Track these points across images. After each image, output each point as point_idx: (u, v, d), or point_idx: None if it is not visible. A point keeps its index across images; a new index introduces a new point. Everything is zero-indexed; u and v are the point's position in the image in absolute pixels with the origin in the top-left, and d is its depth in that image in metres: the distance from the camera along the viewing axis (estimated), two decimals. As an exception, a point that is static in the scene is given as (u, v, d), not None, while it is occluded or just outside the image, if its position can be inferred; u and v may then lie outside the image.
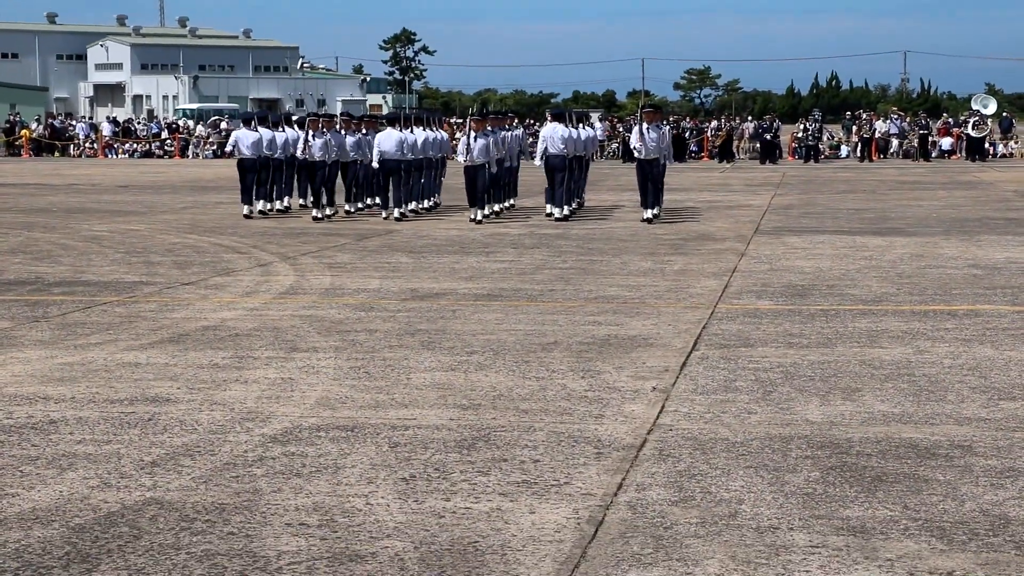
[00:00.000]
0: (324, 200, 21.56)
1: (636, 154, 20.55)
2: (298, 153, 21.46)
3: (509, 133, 22.32)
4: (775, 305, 11.77)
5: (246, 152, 21.52)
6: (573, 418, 7.42)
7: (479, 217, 20.66)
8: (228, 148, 21.89)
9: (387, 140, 21.52)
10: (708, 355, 9.30)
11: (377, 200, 22.73)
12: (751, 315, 11.16)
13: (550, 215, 21.85)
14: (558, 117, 22.95)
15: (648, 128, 20.36)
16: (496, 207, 21.90)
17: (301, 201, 23.16)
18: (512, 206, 23.31)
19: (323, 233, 19.27)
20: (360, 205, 22.86)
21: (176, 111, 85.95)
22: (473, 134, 20.37)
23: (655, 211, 20.69)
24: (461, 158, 20.34)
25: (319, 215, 21.25)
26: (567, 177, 22.02)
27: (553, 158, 21.79)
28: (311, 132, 21.29)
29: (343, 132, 22.06)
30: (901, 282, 13.28)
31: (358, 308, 11.65)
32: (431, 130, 22.69)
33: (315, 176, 21.52)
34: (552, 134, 22.11)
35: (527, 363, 9.04)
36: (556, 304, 11.93)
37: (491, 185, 21.06)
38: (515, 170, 23.13)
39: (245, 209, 21.97)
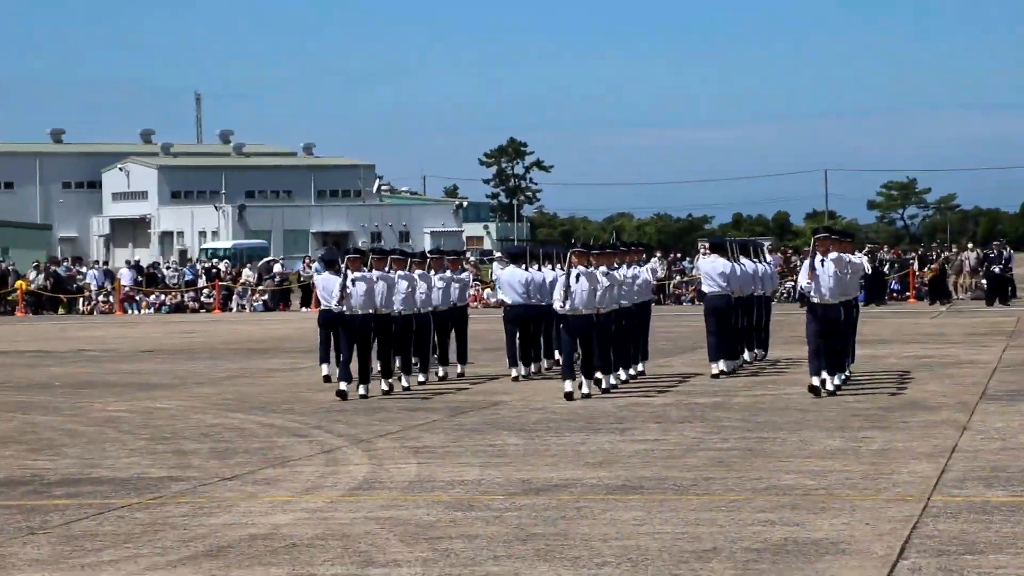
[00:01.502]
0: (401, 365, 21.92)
1: (808, 296, 19.80)
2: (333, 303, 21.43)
3: (628, 269, 21.90)
4: (1012, 496, 11.59)
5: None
6: (739, 653, 7.34)
7: (571, 389, 19.62)
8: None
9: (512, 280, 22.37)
10: (921, 565, 9.17)
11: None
12: (979, 510, 10.99)
13: (716, 375, 22.31)
14: (717, 248, 23.19)
15: (823, 261, 19.38)
16: (621, 374, 21.48)
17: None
18: (641, 372, 22.82)
19: (405, 408, 19.47)
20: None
21: (202, 251, 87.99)
22: (574, 271, 19.77)
23: (837, 379, 19.58)
24: (557, 304, 20.31)
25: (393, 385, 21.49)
26: (730, 324, 22.57)
27: (712, 298, 22.51)
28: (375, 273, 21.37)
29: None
30: None
31: (453, 507, 11.71)
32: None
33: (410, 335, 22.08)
34: (710, 269, 22.82)
35: (677, 579, 8.99)
36: (714, 498, 11.87)
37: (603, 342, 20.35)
38: (641, 322, 22.61)
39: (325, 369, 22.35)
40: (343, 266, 21.03)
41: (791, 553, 9.64)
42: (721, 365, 22.52)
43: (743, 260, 24.17)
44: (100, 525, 11.28)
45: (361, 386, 20.58)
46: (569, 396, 19.48)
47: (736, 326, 23.69)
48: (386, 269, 21.25)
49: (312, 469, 14.03)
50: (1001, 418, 16.72)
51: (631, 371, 22.15)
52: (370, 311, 20.68)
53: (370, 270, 20.97)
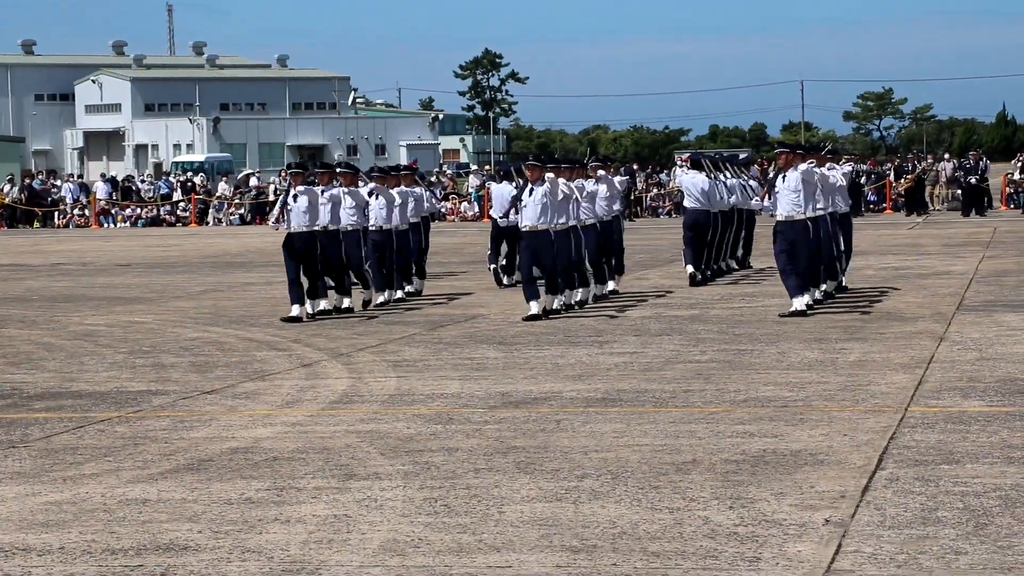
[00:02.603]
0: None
1: (768, 212, 19.12)
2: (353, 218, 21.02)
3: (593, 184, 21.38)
4: (988, 406, 11.68)
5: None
6: (720, 563, 7.42)
7: (535, 311, 18.84)
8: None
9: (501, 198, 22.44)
10: (898, 475, 9.25)
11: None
12: (955, 420, 11.08)
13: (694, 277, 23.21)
14: (696, 164, 23.58)
15: (784, 176, 18.68)
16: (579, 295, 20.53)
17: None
18: (614, 291, 21.96)
19: (385, 321, 19.50)
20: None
21: (174, 164, 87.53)
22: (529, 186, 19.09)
23: (809, 296, 18.65)
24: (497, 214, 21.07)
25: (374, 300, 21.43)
26: (706, 239, 23.47)
27: (692, 213, 23.32)
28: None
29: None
30: None
31: (433, 420, 11.77)
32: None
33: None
34: (691, 186, 23.61)
35: (656, 489, 9.06)
36: (693, 410, 11.95)
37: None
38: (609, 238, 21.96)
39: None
40: (287, 182, 20.71)
41: (770, 464, 9.72)
42: (690, 269, 23.50)
43: (722, 175, 24.53)
44: (80, 439, 11.31)
45: (309, 303, 19.75)
46: (533, 318, 18.66)
47: (713, 241, 24.03)
48: (335, 184, 20.53)
49: (292, 383, 14.07)
50: (977, 328, 16.82)
51: (604, 289, 21.47)
52: (315, 228, 19.77)
53: (315, 185, 20.25)
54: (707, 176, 23.65)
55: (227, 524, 8.47)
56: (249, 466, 10.11)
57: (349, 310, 20.36)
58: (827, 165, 20.65)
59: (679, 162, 59.68)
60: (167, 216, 57.74)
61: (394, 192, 22.07)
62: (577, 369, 14.46)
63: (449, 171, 73.99)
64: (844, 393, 12.56)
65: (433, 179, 31.99)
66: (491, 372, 14.44)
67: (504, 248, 24.20)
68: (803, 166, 18.86)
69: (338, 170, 21.33)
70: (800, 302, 18.43)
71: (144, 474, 9.94)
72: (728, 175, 24.99)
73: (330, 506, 8.86)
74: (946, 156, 57.12)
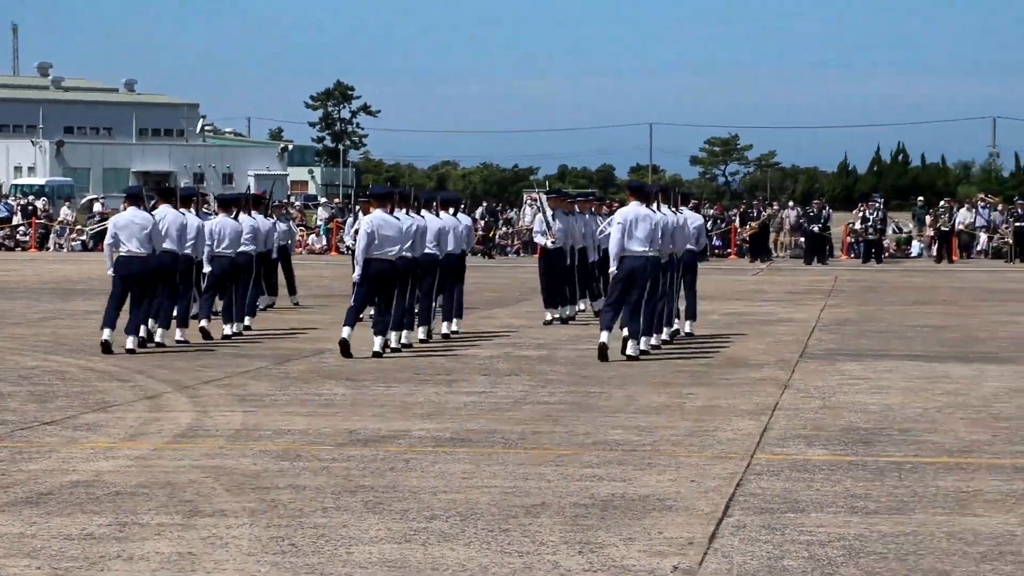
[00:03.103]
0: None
1: (613, 255, 18.69)
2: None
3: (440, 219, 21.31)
4: (831, 455, 11.83)
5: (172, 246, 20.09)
6: (569, 609, 7.40)
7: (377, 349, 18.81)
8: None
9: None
10: (745, 523, 9.32)
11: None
12: (800, 468, 11.21)
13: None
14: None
15: (554, 216, 22.11)
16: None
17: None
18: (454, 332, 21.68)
19: (229, 354, 19.29)
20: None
21: (13, 187, 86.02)
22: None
23: (639, 344, 18.46)
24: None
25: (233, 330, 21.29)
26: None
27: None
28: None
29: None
30: (997, 426, 13.37)
31: (280, 456, 11.64)
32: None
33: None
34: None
35: (506, 532, 9.03)
36: (542, 451, 11.95)
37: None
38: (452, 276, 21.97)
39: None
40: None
41: (619, 509, 9.74)
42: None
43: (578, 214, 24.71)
44: (-85, 469, 11.01)
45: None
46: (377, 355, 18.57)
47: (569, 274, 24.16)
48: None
49: (135, 415, 13.84)
50: (820, 377, 17.05)
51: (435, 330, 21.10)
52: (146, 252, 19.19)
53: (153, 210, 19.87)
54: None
55: (67, 560, 8.29)
56: (91, 500, 9.91)
57: (184, 341, 20.08)
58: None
59: (528, 200, 60.04)
60: (6, 240, 56.70)
61: (241, 220, 21.91)
62: (426, 408, 14.41)
63: (297, 203, 73.58)
64: (691, 438, 12.65)
65: (284, 211, 31.84)
66: (339, 408, 14.33)
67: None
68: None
69: (181, 195, 21.02)
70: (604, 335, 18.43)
71: (-19, 507, 9.70)
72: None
73: (174, 544, 8.71)
74: (790, 204, 58.00)
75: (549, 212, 23.80)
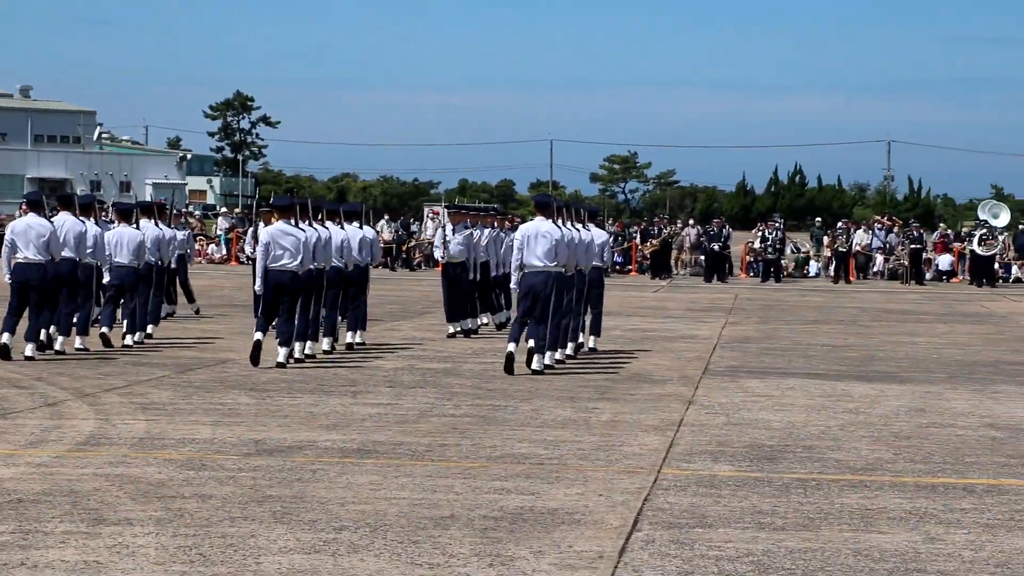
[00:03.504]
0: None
1: (514, 269, 18.96)
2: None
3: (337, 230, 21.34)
4: (737, 471, 11.90)
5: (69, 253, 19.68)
6: (482, 621, 7.39)
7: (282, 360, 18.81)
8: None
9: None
10: (654, 537, 9.35)
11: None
12: (707, 484, 11.26)
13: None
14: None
15: (455, 230, 23.20)
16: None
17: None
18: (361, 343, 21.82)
19: (130, 363, 19.10)
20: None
21: None
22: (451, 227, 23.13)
23: (544, 358, 18.59)
24: (439, 252, 23.87)
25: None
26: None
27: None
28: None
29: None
30: (899, 444, 13.52)
31: (184, 465, 11.54)
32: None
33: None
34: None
35: (416, 544, 9.01)
36: (449, 464, 11.94)
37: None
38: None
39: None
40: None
41: (528, 522, 9.74)
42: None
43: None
44: None
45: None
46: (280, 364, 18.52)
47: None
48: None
49: (36, 422, 13.66)
50: (724, 393, 17.16)
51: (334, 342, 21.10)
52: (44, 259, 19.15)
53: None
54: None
55: (-29, 568, 8.16)
56: (-7, 508, 9.77)
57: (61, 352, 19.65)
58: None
59: (429, 214, 60.02)
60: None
61: (142, 229, 21.74)
62: (332, 419, 14.34)
63: (197, 212, 73.07)
64: (598, 453, 12.68)
65: (183, 220, 31.51)
66: (244, 418, 14.22)
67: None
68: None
69: (81, 203, 20.81)
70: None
71: None
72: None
73: (80, 552, 8.60)
74: (691, 222, 58.40)
75: (450, 227, 23.88)
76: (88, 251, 20.21)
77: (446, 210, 25.45)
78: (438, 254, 24.78)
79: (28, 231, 19.09)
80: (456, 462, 12.05)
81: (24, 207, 20.17)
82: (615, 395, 16.76)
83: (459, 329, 23.98)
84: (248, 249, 24.48)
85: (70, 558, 8.44)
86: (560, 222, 19.17)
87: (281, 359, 18.65)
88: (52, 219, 19.64)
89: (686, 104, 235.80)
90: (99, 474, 11.07)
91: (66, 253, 19.59)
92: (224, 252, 55.79)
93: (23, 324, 19.07)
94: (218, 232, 59.12)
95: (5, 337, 18.68)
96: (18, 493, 10.26)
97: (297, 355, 19.27)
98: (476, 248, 24.21)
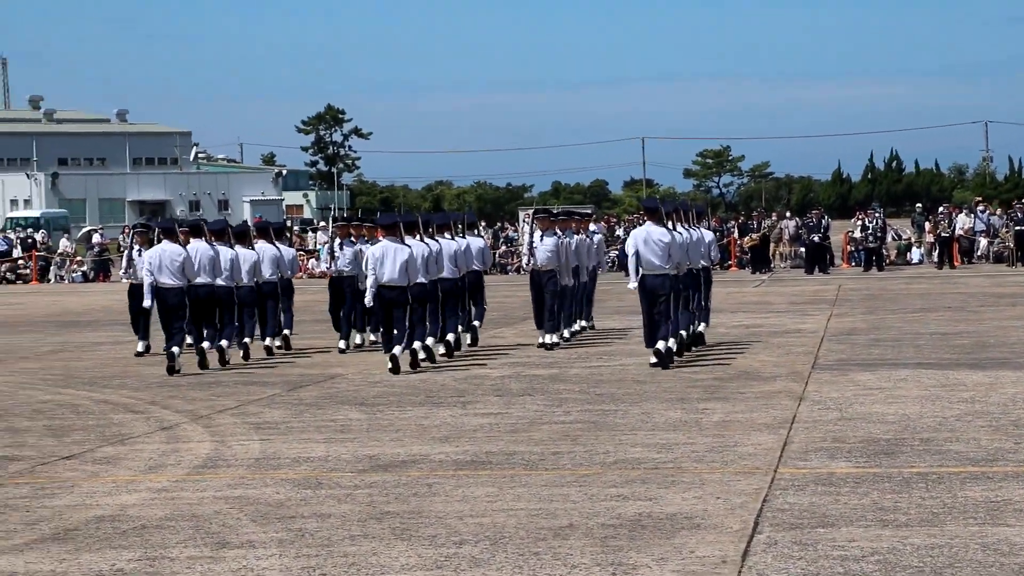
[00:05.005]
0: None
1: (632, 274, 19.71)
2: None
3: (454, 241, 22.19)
4: (855, 467, 11.79)
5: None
6: (610, 632, 7.36)
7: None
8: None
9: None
10: (776, 539, 9.28)
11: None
12: (825, 482, 11.16)
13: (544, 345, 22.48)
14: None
15: (542, 236, 22.06)
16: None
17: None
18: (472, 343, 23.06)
19: (241, 382, 19.24)
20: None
21: (7, 220, 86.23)
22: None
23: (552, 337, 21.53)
24: (526, 260, 23.31)
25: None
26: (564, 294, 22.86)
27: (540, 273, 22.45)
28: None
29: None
30: (1019, 433, 13.32)
31: (301, 485, 11.60)
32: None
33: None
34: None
35: (537, 555, 9.00)
36: (564, 472, 11.91)
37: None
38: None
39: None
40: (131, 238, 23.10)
41: (647, 528, 9.70)
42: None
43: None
44: (-62, 508, 10.96)
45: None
46: (393, 370, 19.34)
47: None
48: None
49: (153, 447, 13.79)
50: (835, 388, 17.00)
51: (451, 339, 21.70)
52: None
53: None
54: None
55: (101, 597, 8.24)
56: (117, 535, 9.87)
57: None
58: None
59: (524, 219, 59.94)
60: (7, 274, 56.63)
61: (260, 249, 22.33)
62: (443, 431, 14.36)
63: (296, 227, 73.60)
64: (712, 454, 12.61)
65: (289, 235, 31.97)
66: (356, 434, 14.28)
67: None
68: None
69: (212, 229, 21.80)
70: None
71: (8, 545, 9.65)
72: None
73: (206, 577, 8.67)
74: (788, 214, 57.96)
75: (538, 233, 23.11)
76: (225, 273, 21.18)
77: (534, 215, 24.83)
78: (524, 261, 24.62)
79: (163, 257, 20.36)
80: (571, 470, 12.03)
81: (159, 235, 21.10)
82: (725, 394, 16.66)
83: (549, 340, 22.84)
84: (323, 265, 24.69)
85: (196, 583, 8.51)
86: (670, 224, 19.81)
87: (406, 367, 19.49)
88: (186, 246, 20.80)
89: (778, 95, 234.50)
90: (219, 497, 11.15)
91: (202, 278, 20.73)
92: (324, 267, 56.10)
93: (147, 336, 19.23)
94: (318, 246, 59.42)
95: (176, 349, 19.96)
96: (142, 519, 10.36)
97: (422, 355, 19.96)
98: (566, 254, 23.65)
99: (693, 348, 21.33)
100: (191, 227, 22.02)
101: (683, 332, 20.59)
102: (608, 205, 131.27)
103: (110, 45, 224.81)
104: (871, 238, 50.01)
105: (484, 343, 23.55)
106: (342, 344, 23.11)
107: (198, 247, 20.98)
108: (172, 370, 19.85)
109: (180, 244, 20.71)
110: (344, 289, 23.55)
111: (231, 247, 21.62)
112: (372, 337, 24.13)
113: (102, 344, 25.78)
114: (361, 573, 8.67)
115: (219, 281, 21.08)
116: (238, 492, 11.33)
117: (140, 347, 23.02)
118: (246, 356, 21.58)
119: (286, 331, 23.52)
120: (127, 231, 59.61)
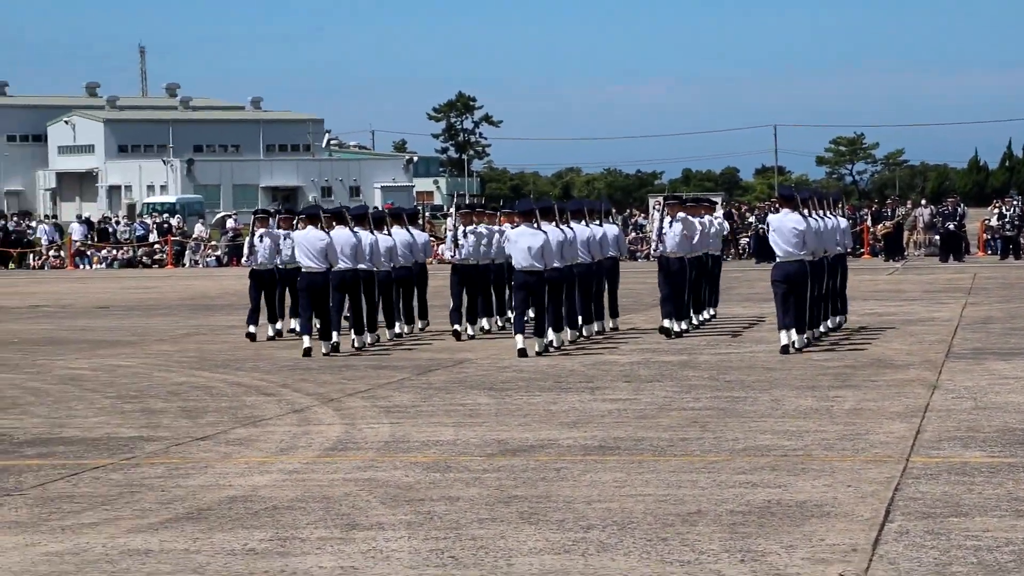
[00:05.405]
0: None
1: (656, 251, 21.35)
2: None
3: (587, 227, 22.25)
4: (990, 457, 11.63)
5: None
6: (738, 618, 7.33)
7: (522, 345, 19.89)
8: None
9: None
10: (908, 528, 9.18)
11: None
12: (959, 471, 11.03)
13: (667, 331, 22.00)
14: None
15: (671, 223, 21.74)
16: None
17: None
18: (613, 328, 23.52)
19: (371, 366, 19.39)
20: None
21: (144, 205, 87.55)
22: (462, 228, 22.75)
23: (802, 337, 19.85)
24: (653, 247, 22.83)
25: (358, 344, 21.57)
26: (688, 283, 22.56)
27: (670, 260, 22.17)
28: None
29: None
30: None
31: (431, 468, 11.67)
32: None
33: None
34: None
35: (665, 541, 8.98)
36: (693, 459, 11.88)
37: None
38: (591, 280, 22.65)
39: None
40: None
41: (776, 515, 9.64)
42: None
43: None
44: (76, 486, 11.17)
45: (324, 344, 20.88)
46: (522, 352, 19.64)
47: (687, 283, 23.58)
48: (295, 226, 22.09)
49: (284, 429, 13.95)
50: (969, 377, 16.78)
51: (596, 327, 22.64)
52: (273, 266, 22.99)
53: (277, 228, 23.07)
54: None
55: (233, 576, 8.36)
56: (249, 515, 9.99)
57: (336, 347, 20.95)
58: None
59: (655, 206, 59.79)
60: (143, 258, 57.54)
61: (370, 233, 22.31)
62: (571, 416, 14.38)
63: (427, 213, 73.98)
64: (843, 442, 12.50)
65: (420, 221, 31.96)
66: (484, 418, 14.34)
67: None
68: (680, 214, 21.84)
69: (353, 215, 22.18)
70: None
71: (144, 523, 9.81)
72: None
73: (336, 557, 8.75)
74: (923, 202, 57.26)
75: (667, 220, 22.45)
76: (367, 258, 21.49)
77: (663, 201, 24.62)
78: (653, 248, 24.33)
79: (306, 241, 20.92)
80: (699, 456, 11.99)
81: (303, 221, 21.55)
82: (856, 382, 16.51)
83: (672, 327, 22.63)
84: (448, 254, 24.75)
85: (327, 564, 8.59)
86: (806, 212, 20.11)
87: (538, 349, 19.84)
88: (329, 231, 21.18)
89: (912, 81, 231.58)
90: (348, 479, 11.25)
91: (343, 264, 21.05)
92: (448, 253, 56.34)
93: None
94: (447, 232, 59.77)
95: (306, 340, 20.48)
96: (273, 500, 10.48)
97: (556, 344, 20.41)
98: (689, 240, 23.31)
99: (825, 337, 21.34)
100: (333, 214, 22.22)
101: (819, 328, 20.83)
102: (739, 192, 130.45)
103: (245, 34, 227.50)
104: (1008, 226, 49.30)
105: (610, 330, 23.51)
106: (470, 330, 23.13)
107: (340, 233, 21.21)
108: (334, 347, 20.68)
109: (323, 230, 20.98)
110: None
111: (371, 232, 21.82)
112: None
113: (235, 327, 26.06)
114: (489, 556, 8.71)
115: (361, 266, 21.33)
116: (368, 475, 11.43)
117: (270, 331, 23.28)
118: (377, 340, 21.84)
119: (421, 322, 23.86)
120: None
